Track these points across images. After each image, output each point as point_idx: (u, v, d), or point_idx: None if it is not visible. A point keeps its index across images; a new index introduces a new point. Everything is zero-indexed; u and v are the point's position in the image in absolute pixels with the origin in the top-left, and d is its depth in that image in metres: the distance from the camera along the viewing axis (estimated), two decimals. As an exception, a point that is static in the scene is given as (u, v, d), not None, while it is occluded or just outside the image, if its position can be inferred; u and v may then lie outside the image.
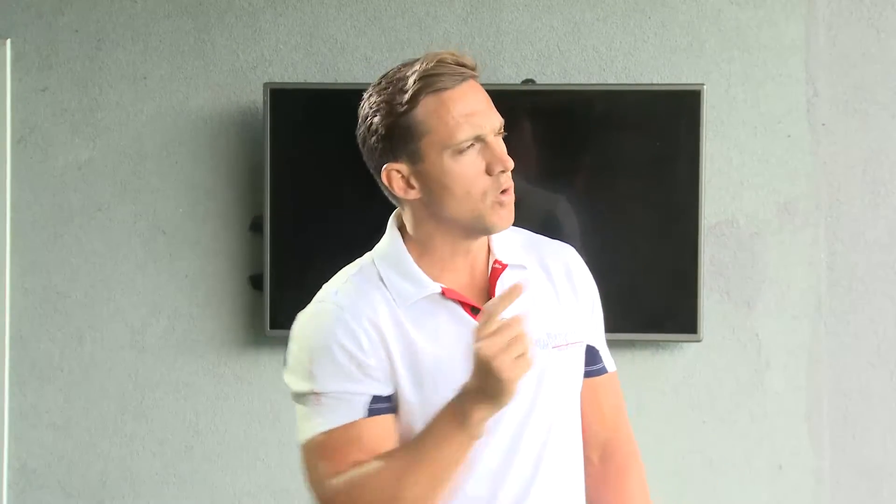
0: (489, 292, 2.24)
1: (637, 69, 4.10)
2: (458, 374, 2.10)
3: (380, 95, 2.22)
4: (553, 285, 2.31)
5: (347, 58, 4.14)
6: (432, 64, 2.17)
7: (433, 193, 2.21)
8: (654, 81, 4.09)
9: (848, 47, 4.11)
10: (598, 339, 2.39)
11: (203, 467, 4.17)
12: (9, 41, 4.17)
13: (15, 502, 4.18)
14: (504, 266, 2.27)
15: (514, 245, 2.32)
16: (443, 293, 2.21)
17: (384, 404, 2.17)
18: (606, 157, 4.03)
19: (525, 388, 2.13)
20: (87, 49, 4.18)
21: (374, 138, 2.23)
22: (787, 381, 4.10)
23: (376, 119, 2.21)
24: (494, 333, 2.00)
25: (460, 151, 2.17)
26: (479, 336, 2.00)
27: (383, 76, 2.25)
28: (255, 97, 4.07)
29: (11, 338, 4.17)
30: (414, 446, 2.11)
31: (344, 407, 2.16)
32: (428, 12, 4.14)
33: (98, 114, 4.17)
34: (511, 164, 2.20)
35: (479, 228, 2.22)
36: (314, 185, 4.04)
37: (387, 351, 2.18)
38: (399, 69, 2.23)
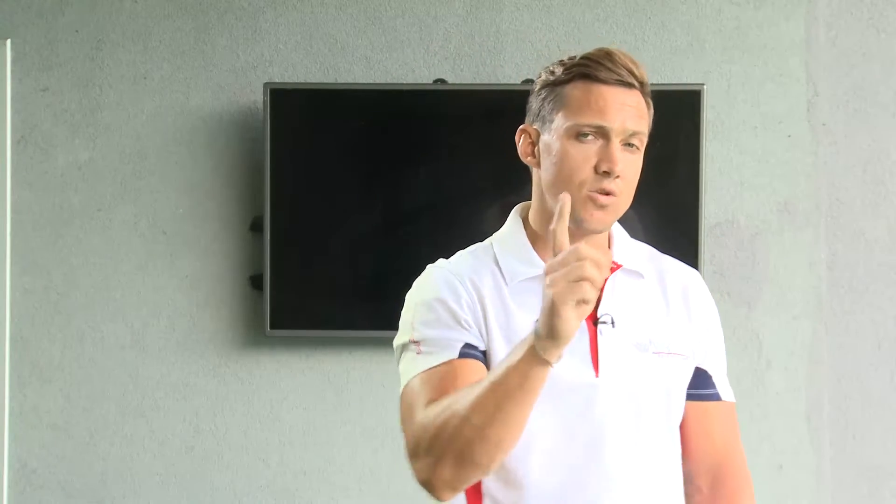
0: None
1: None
2: None
3: (558, 65, 2.29)
4: (666, 299, 2.33)
5: (347, 58, 4.14)
6: (602, 54, 2.25)
7: (544, 166, 2.28)
8: (654, 81, 4.06)
9: (848, 47, 4.11)
10: (714, 365, 2.36)
11: (203, 467, 4.16)
12: (9, 41, 4.17)
13: (15, 502, 4.17)
14: (618, 266, 2.29)
15: (638, 253, 2.36)
16: None
17: (477, 352, 2.23)
18: (606, 157, 4.02)
19: (619, 384, 2.23)
20: (87, 49, 4.17)
21: (530, 96, 2.33)
22: (788, 381, 4.10)
23: (539, 80, 2.30)
24: (559, 266, 1.99)
25: (579, 136, 2.22)
26: (547, 269, 2.01)
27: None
28: (256, 97, 4.07)
29: (12, 338, 4.17)
30: (486, 377, 2.10)
31: (440, 349, 2.22)
32: (428, 12, 4.14)
33: (98, 114, 4.17)
34: (617, 167, 2.22)
35: (571, 219, 2.16)
36: (314, 185, 4.04)
37: (484, 312, 2.25)
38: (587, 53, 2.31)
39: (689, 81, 4.07)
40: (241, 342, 4.13)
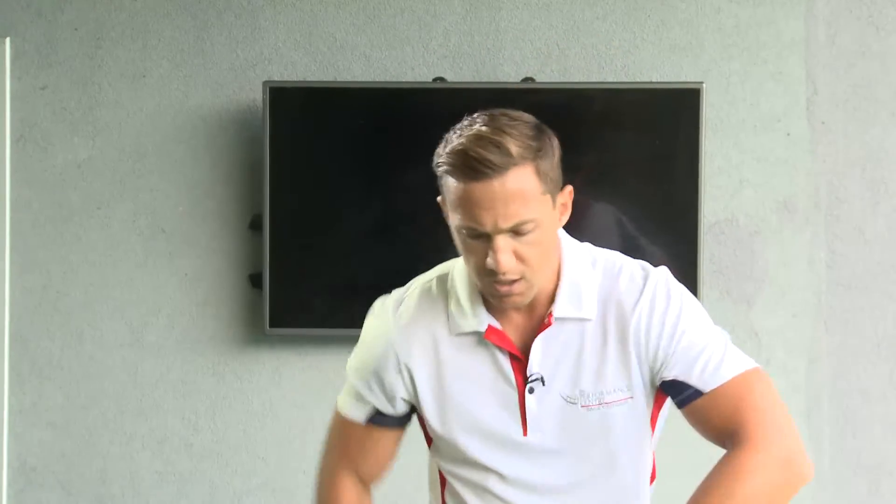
0: (530, 346, 2.28)
1: (636, 67, 4.10)
2: (478, 415, 2.30)
3: (442, 144, 2.23)
4: (605, 341, 2.28)
5: (347, 56, 4.14)
6: (455, 153, 2.16)
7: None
8: (654, 80, 4.09)
9: (847, 45, 4.11)
10: (679, 369, 2.28)
11: (203, 465, 4.17)
12: (8, 39, 4.17)
13: (15, 500, 4.18)
14: (550, 324, 2.27)
15: (589, 290, 2.29)
16: (485, 334, 2.28)
17: (386, 420, 2.40)
18: (606, 156, 4.02)
19: (546, 442, 2.30)
20: (86, 47, 4.17)
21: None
22: (787, 380, 4.10)
23: (439, 149, 2.23)
24: None
25: (467, 233, 2.18)
26: None
27: (462, 122, 2.25)
28: (255, 95, 4.07)
29: (11, 336, 4.17)
30: None
31: (355, 405, 2.42)
32: (427, 10, 4.13)
33: (97, 112, 4.17)
34: (502, 267, 2.15)
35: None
36: (314, 184, 4.03)
37: (412, 384, 2.35)
38: (466, 123, 2.23)
39: (688, 80, 4.07)
40: (240, 341, 4.14)
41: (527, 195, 2.14)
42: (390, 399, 2.36)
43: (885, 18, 4.11)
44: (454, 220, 2.18)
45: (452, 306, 2.32)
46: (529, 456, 2.31)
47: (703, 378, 2.28)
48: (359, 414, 2.40)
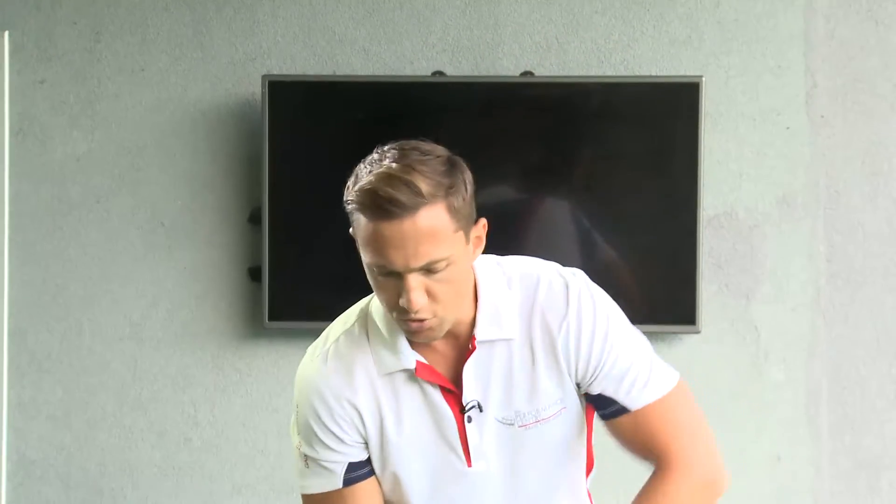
0: (460, 374, 2.25)
1: (636, 61, 4.10)
2: (419, 453, 2.27)
3: (353, 178, 2.18)
4: (533, 357, 2.25)
5: (346, 50, 4.14)
6: (364, 192, 2.10)
7: None
8: (653, 73, 4.09)
9: (847, 39, 4.11)
10: (606, 383, 2.26)
11: (202, 459, 4.17)
12: (7, 33, 4.17)
13: (14, 493, 4.18)
14: (474, 348, 2.24)
15: (508, 310, 2.25)
16: (416, 371, 2.25)
17: (362, 470, 2.31)
18: (605, 150, 4.02)
19: (490, 469, 2.27)
20: (85, 41, 4.17)
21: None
22: (786, 373, 4.10)
23: (349, 182, 2.17)
24: None
25: (377, 271, 2.13)
26: None
27: (373, 155, 2.19)
28: (254, 89, 4.07)
29: (10, 329, 4.17)
30: None
31: (324, 475, 2.31)
32: (427, 4, 4.13)
33: (96, 106, 4.17)
34: (414, 306, 2.11)
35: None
36: (313, 177, 4.03)
37: (362, 425, 2.28)
38: (376, 156, 2.17)
39: (687, 73, 4.07)
40: (239, 334, 4.14)
41: (438, 234, 2.08)
42: (353, 443, 2.29)
43: (885, 12, 4.11)
44: (365, 257, 2.13)
45: (377, 346, 2.27)
46: (475, 485, 2.29)
47: (630, 396, 2.26)
48: (332, 481, 2.31)
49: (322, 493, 2.32)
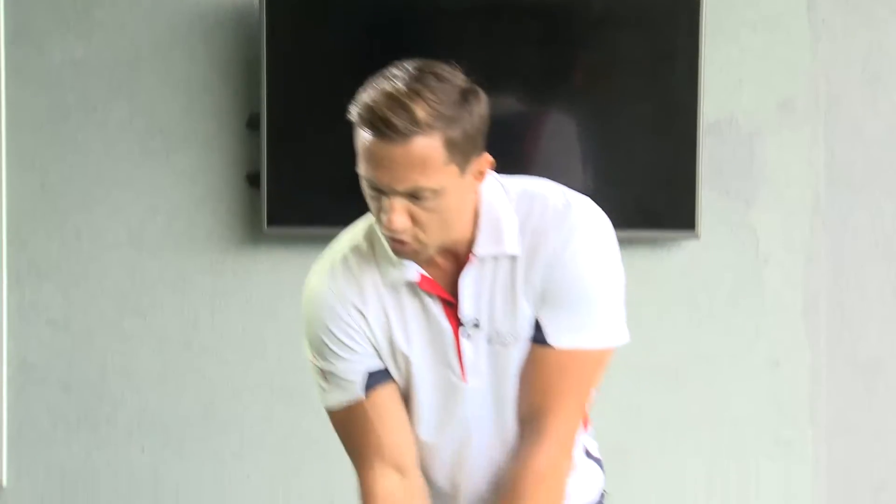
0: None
1: (636, -35, 4.07)
2: (423, 366, 2.30)
3: (373, 79, 2.16)
4: (526, 278, 2.24)
5: (344, -47, 4.10)
6: (363, 105, 2.10)
7: None
8: (654, -23, 4.06)
9: (849, -58, 4.08)
10: (549, 314, 2.25)
11: (201, 363, 4.18)
12: (1, -64, 4.14)
13: (15, 398, 4.20)
14: (470, 261, 2.25)
15: (509, 227, 2.24)
16: (419, 283, 2.27)
17: (382, 380, 2.33)
18: (605, 56, 4.00)
19: (480, 384, 2.30)
20: (80, -56, 4.14)
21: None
22: (785, 278, 4.11)
23: (360, 90, 2.16)
24: None
25: (368, 184, 2.15)
26: None
27: (393, 69, 2.16)
28: (252, -8, 4.04)
29: (9, 235, 4.17)
30: None
31: (344, 386, 2.33)
32: None
33: (93, 10, 4.13)
34: (395, 226, 2.13)
35: None
36: (312, 81, 4.01)
37: (372, 334, 2.30)
38: (393, 71, 2.15)
39: (688, -23, 4.04)
40: (238, 239, 4.13)
41: (428, 164, 2.08)
42: (364, 352, 2.31)
43: (888, -85, 4.08)
44: (359, 165, 2.14)
45: (382, 259, 2.28)
46: (470, 401, 2.32)
47: (556, 331, 2.25)
48: (353, 391, 2.33)
49: (346, 408, 2.34)
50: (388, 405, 2.33)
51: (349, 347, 2.31)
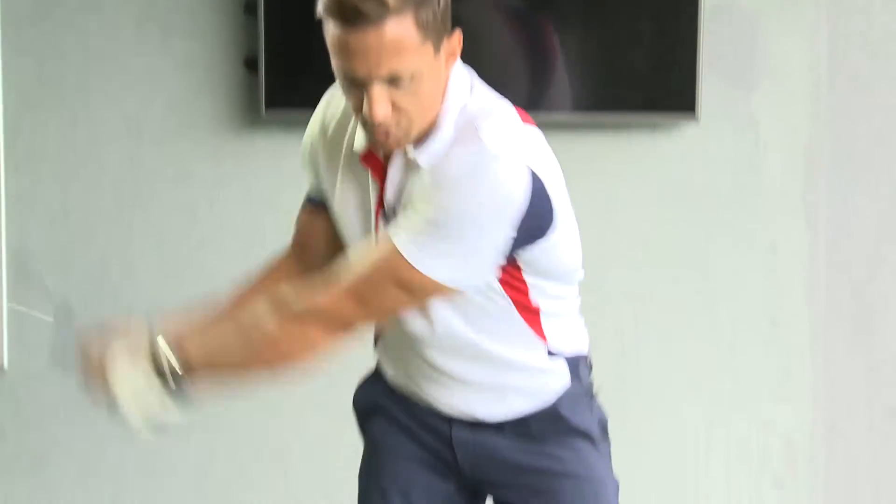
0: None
1: None
2: (346, 225, 2.42)
3: None
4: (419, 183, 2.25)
5: None
6: None
7: None
8: None
9: None
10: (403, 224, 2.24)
11: (201, 254, 4.18)
12: None
13: (15, 286, 4.19)
14: (400, 155, 2.29)
15: (442, 141, 2.23)
16: (362, 157, 2.34)
17: (313, 200, 2.59)
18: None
19: None
20: None
21: None
22: (784, 164, 4.10)
23: None
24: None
25: (345, 80, 2.17)
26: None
27: None
28: None
29: (5, 125, 4.15)
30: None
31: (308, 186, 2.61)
32: None
33: None
34: (378, 117, 2.14)
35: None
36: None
37: (320, 171, 2.51)
38: None
39: None
40: (237, 125, 4.12)
41: (403, 46, 2.09)
42: (313, 175, 2.54)
43: None
44: (333, 62, 2.15)
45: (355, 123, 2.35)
46: None
47: (395, 223, 2.25)
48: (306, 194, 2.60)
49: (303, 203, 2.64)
50: (303, 221, 2.69)
51: (309, 159, 2.53)
